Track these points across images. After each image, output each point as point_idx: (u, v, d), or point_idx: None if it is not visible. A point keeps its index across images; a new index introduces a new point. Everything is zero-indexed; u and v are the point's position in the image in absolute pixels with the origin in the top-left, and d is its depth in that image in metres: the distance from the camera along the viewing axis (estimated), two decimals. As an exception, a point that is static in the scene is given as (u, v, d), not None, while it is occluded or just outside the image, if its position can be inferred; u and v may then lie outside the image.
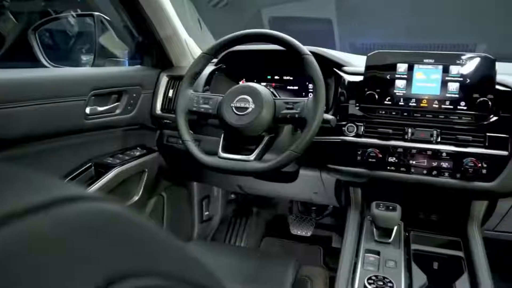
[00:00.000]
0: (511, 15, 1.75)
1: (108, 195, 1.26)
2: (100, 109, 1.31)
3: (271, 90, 1.41)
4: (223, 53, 1.45)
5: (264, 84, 1.45)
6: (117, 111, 1.38)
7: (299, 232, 1.93)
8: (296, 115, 1.07)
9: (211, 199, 2.00)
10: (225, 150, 1.14)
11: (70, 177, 1.26)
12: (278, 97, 1.17)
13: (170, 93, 1.52)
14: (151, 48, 1.53)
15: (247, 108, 1.10)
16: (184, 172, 1.76)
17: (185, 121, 1.17)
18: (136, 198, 1.48)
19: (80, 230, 0.23)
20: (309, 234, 1.93)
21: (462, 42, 1.81)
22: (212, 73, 1.44)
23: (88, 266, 0.22)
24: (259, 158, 1.10)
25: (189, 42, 1.63)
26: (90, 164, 1.31)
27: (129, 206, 1.46)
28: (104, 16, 1.50)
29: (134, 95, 1.44)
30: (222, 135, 1.17)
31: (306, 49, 1.10)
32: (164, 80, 1.54)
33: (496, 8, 1.77)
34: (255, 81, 1.45)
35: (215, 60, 1.48)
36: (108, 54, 1.60)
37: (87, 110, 1.24)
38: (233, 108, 1.11)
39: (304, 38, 1.65)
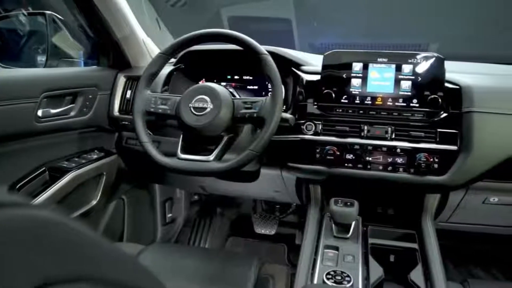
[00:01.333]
0: (460, 17, 1.83)
1: (47, 202, 1.21)
2: (53, 111, 1.26)
3: (231, 90, 1.41)
4: (181, 53, 1.44)
5: (224, 84, 1.46)
6: (72, 113, 1.34)
7: (263, 231, 1.94)
8: (255, 115, 1.08)
9: (174, 200, 1.98)
10: (184, 151, 1.13)
11: (22, 183, 1.20)
12: (237, 97, 1.17)
13: (128, 94, 1.48)
14: (107, 48, 1.50)
15: (205, 108, 1.09)
16: (145, 174, 1.73)
17: (142, 122, 1.15)
18: (94, 202, 1.43)
19: (8, 236, 0.22)
20: (273, 232, 1.94)
21: (416, 42, 1.88)
22: (170, 73, 1.42)
23: (15, 272, 0.21)
24: (218, 158, 1.10)
25: (147, 42, 1.60)
26: (44, 168, 1.26)
27: (87, 211, 1.42)
28: (56, 15, 1.45)
29: (90, 96, 1.40)
30: (181, 136, 1.16)
31: (263, 48, 1.11)
32: (121, 80, 1.50)
33: (447, 10, 1.85)
34: (215, 81, 1.45)
35: (174, 60, 1.47)
36: (62, 55, 1.55)
37: (39, 112, 1.20)
38: (191, 109, 1.10)
39: (264, 38, 1.66)
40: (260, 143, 1.03)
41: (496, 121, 1.10)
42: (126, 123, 1.46)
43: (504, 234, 1.64)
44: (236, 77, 1.47)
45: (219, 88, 1.13)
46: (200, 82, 1.44)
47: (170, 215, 1.95)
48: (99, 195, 1.45)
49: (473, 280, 1.11)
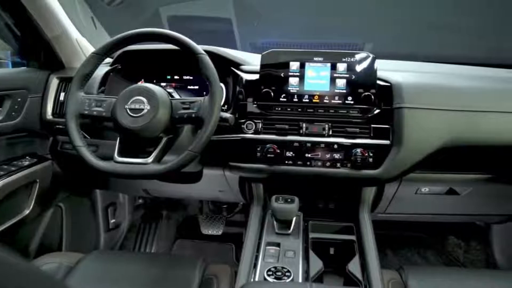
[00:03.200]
0: (393, 18, 1.93)
1: None
2: (-23, 116, 1.18)
3: (171, 90, 1.39)
4: (118, 53, 1.40)
5: (164, 84, 1.43)
6: (-1, 118, 1.25)
7: (210, 232, 1.93)
8: (193, 115, 1.07)
9: (117, 205, 1.92)
10: (122, 153, 1.10)
11: None
12: (175, 97, 1.15)
13: (62, 97, 1.42)
14: (38, 48, 1.42)
15: (142, 109, 1.07)
16: (84, 179, 1.66)
17: (76, 126, 1.10)
18: (27, 211, 1.35)
19: None
20: (220, 232, 1.94)
21: (352, 41, 1.95)
22: (107, 74, 1.37)
23: None
24: (157, 160, 1.08)
25: (82, 42, 1.54)
26: (-33, 178, 1.18)
27: (20, 221, 1.34)
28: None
29: (19, 99, 1.32)
30: (118, 139, 1.12)
31: (200, 48, 1.10)
32: (54, 82, 1.44)
33: (381, 11, 1.94)
34: (154, 81, 1.42)
35: (111, 61, 1.42)
36: (-14, 55, 1.45)
37: (-40, 118, 1.11)
38: (128, 110, 1.07)
39: (206, 37, 1.64)
40: (199, 143, 1.03)
41: (424, 116, 1.17)
42: (61, 126, 1.39)
43: (436, 222, 1.76)
44: (176, 77, 1.45)
45: (156, 88, 1.11)
46: (139, 83, 1.41)
47: (113, 220, 1.88)
48: (32, 203, 1.37)
49: (408, 267, 1.17)
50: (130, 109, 1.07)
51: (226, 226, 1.98)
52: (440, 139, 1.16)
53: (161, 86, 1.40)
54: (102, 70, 1.36)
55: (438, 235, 1.95)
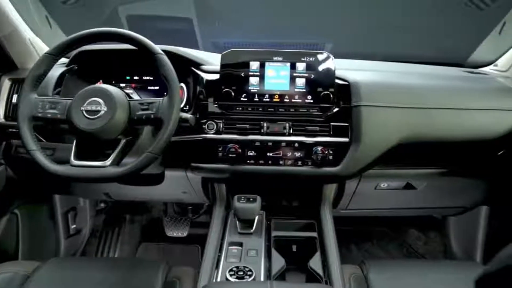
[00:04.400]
0: (351, 18, 1.97)
1: None
2: None
3: (130, 91, 1.36)
4: (74, 53, 1.36)
5: (124, 85, 1.40)
6: None
7: (175, 234, 1.91)
8: (152, 116, 1.05)
9: (78, 210, 1.86)
10: (79, 157, 1.07)
11: None
12: (133, 98, 1.13)
13: (15, 99, 1.36)
14: (-14, 48, 1.35)
15: (99, 111, 1.04)
16: (41, 184, 1.59)
17: (29, 129, 1.06)
18: (-22, 220, 1.29)
19: None
20: (185, 234, 1.92)
21: (313, 41, 1.98)
22: (62, 75, 1.33)
23: None
24: (116, 162, 1.05)
25: (36, 42, 1.48)
26: None
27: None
28: None
29: (-33, 102, 1.26)
30: (74, 141, 1.09)
31: (158, 48, 1.08)
32: (6, 84, 1.38)
33: (341, 11, 1.98)
34: (113, 82, 1.39)
35: (67, 61, 1.38)
36: None
37: None
38: (84, 112, 1.05)
39: (167, 37, 1.62)
40: (159, 144, 1.01)
41: (381, 113, 1.20)
42: (14, 130, 1.33)
43: (396, 216, 1.81)
44: (136, 77, 1.42)
45: (113, 89, 1.08)
46: (97, 84, 1.37)
47: (74, 226, 1.82)
48: (-16, 211, 1.31)
49: (369, 261, 1.20)
50: (86, 111, 1.05)
51: (192, 227, 1.96)
52: (396, 135, 1.20)
53: (120, 87, 1.37)
54: (57, 70, 1.32)
55: (399, 228, 2.02)
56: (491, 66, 1.57)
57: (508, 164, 1.40)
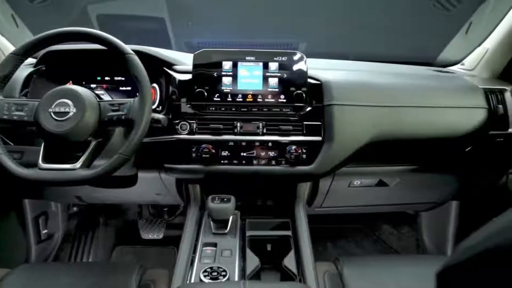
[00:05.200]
0: (325, 18, 1.99)
1: None
2: None
3: (100, 92, 1.34)
4: (42, 53, 1.32)
5: (94, 86, 1.37)
6: None
7: (150, 236, 1.89)
8: (123, 117, 1.04)
9: (49, 215, 1.81)
10: (47, 159, 1.05)
11: None
12: (104, 99, 1.11)
13: (-21, 101, 1.31)
14: None
15: (67, 112, 1.02)
16: (9, 189, 1.55)
17: None
18: None
19: None
20: (161, 236, 1.90)
21: (287, 41, 2.00)
22: (30, 76, 1.29)
23: None
24: (86, 165, 1.03)
25: (1, 42, 1.44)
26: None
27: None
28: None
29: None
30: (43, 144, 1.06)
31: (128, 48, 1.07)
32: (-31, 85, 1.32)
33: (314, 11, 2.00)
34: (83, 83, 1.36)
35: (35, 62, 1.34)
36: None
37: None
38: (52, 114, 1.02)
39: (139, 37, 1.59)
40: (130, 146, 1.00)
41: (353, 112, 1.22)
42: (-22, 133, 1.29)
43: (369, 213, 1.84)
44: (107, 78, 1.39)
45: (82, 90, 1.06)
46: (67, 85, 1.34)
47: (45, 231, 1.78)
48: None
49: (344, 257, 1.22)
50: (55, 113, 1.02)
51: (167, 229, 1.94)
52: (367, 134, 1.22)
53: (91, 88, 1.35)
54: (24, 71, 1.28)
55: (373, 224, 2.05)
56: (459, 65, 1.62)
57: (475, 160, 1.45)
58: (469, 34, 1.63)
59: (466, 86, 1.37)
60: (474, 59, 1.52)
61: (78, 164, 1.02)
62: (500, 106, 1.32)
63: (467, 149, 1.38)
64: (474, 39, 1.56)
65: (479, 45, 1.50)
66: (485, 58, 1.46)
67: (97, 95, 1.18)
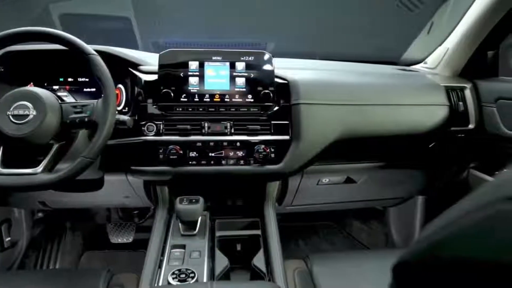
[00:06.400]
0: (292, 18, 2.01)
1: None
2: None
3: (63, 93, 1.30)
4: (0, 54, 1.27)
5: (57, 87, 1.34)
6: None
7: (119, 240, 1.85)
8: (86, 119, 1.02)
9: (13, 222, 1.74)
10: (7, 164, 1.01)
11: None
12: (66, 101, 1.08)
13: None
14: None
15: (27, 115, 0.99)
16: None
17: None
18: None
19: None
20: (131, 239, 1.87)
21: (255, 41, 2.00)
22: (-14, 78, 1.24)
23: None
24: (48, 169, 1.01)
25: (-44, 42, 1.37)
26: None
27: None
28: None
29: None
30: (2, 148, 1.03)
31: (91, 48, 1.05)
32: None
33: (282, 11, 2.01)
34: (45, 85, 1.32)
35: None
36: None
37: None
38: (10, 117, 0.99)
39: (104, 37, 1.56)
40: (94, 148, 0.98)
41: (320, 111, 1.24)
42: None
43: (339, 209, 1.87)
44: (70, 79, 1.36)
45: (43, 92, 1.03)
46: (27, 87, 1.30)
47: (8, 239, 1.71)
48: None
49: (314, 255, 1.23)
50: (13, 116, 0.99)
51: (138, 232, 1.90)
52: (334, 132, 1.24)
53: (53, 90, 1.31)
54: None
55: (344, 221, 2.09)
56: (422, 64, 1.67)
57: (439, 155, 1.50)
58: (431, 34, 1.68)
59: (429, 84, 1.41)
60: (436, 58, 1.57)
61: (39, 169, 0.99)
62: (461, 103, 1.37)
63: (430, 145, 1.43)
64: (435, 38, 1.61)
65: (440, 45, 1.55)
66: (446, 57, 1.51)
67: (60, 97, 1.15)
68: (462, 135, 1.39)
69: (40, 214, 1.89)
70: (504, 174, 0.34)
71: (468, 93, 1.40)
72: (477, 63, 1.46)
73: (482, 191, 0.33)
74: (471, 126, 1.38)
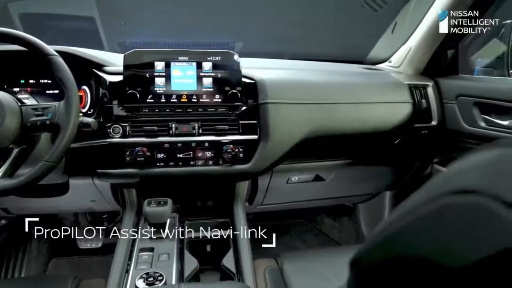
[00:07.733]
0: (261, 17, 2.02)
1: None
2: None
3: (24, 96, 1.26)
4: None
5: (18, 89, 1.29)
6: None
7: (88, 245, 1.80)
8: (48, 122, 0.99)
9: (-26, 230, 1.68)
10: None
11: None
12: (26, 104, 1.05)
13: None
14: None
15: None
16: None
17: None
18: None
19: None
20: (100, 245, 1.82)
21: (223, 40, 2.00)
22: None
23: None
24: (8, 174, 0.97)
25: None
26: None
27: None
28: None
29: None
30: None
31: (51, 49, 1.02)
32: None
33: (251, 10, 2.02)
34: (5, 86, 1.27)
35: None
36: None
37: None
38: None
39: (67, 37, 1.51)
40: (56, 152, 0.95)
41: (287, 110, 1.25)
42: None
43: (310, 207, 1.89)
44: (31, 81, 1.31)
45: (0, 94, 0.99)
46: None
47: (-31, 248, 1.64)
48: None
49: (284, 253, 1.24)
50: None
51: (106, 237, 1.86)
52: (302, 130, 1.25)
53: (13, 92, 1.26)
54: None
55: (315, 218, 2.11)
56: (386, 63, 1.71)
57: (404, 152, 1.54)
58: (395, 33, 1.73)
59: (393, 82, 1.45)
60: (399, 57, 1.61)
61: None
62: (424, 100, 1.41)
63: (396, 142, 1.46)
64: (399, 38, 1.65)
65: (403, 44, 1.60)
66: (409, 56, 1.56)
67: (20, 99, 1.11)
68: (426, 131, 1.44)
69: (3, 221, 1.82)
70: (452, 167, 0.33)
71: (430, 91, 1.44)
72: (438, 62, 1.51)
73: (430, 186, 0.32)
74: (433, 122, 1.43)
